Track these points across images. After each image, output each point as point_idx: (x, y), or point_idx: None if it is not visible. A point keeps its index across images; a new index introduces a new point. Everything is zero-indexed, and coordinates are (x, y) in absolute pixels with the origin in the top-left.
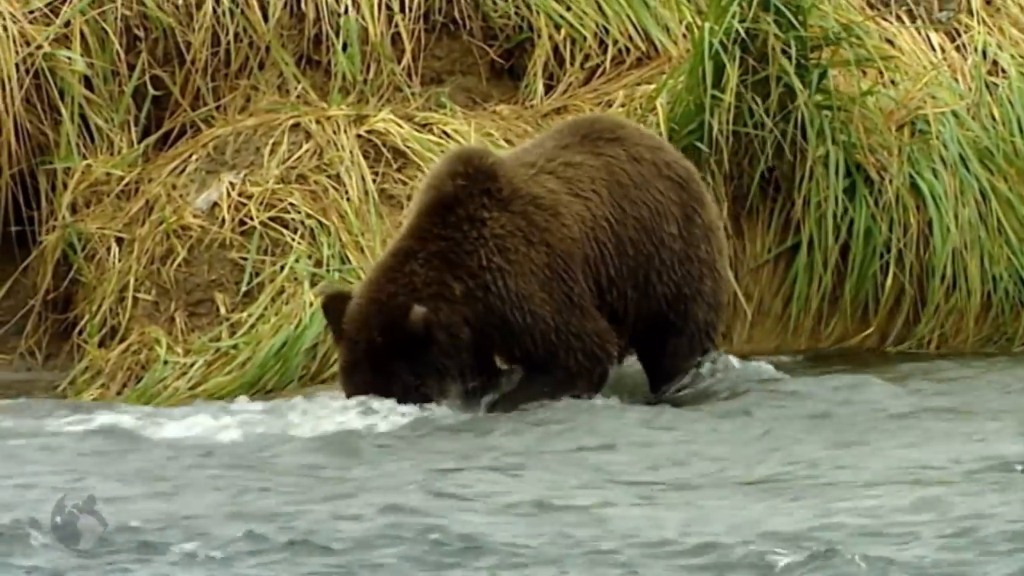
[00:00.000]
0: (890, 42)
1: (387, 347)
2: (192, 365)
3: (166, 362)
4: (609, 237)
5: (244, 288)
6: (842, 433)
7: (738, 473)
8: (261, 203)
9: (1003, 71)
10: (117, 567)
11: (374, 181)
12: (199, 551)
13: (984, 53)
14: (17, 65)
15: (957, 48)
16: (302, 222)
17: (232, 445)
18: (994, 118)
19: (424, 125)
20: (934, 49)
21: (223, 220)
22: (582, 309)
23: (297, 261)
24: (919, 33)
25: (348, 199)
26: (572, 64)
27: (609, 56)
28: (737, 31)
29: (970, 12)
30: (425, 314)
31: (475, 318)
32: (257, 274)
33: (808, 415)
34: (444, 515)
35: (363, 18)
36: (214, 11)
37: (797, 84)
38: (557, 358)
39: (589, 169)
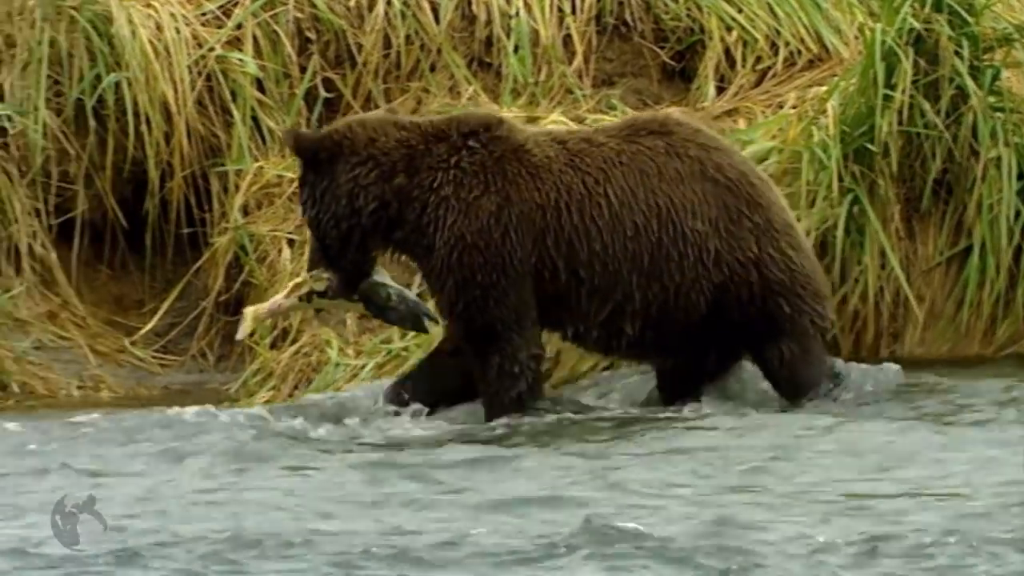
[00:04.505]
0: None
1: None
2: (363, 367)
3: (337, 364)
4: (602, 213)
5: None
6: None
7: None
8: None
9: None
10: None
11: None
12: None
13: None
14: (189, 67)
15: None
16: None
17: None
18: None
19: None
20: None
21: None
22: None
23: None
24: None
25: None
26: (743, 66)
27: (781, 58)
28: (909, 32)
29: None
30: None
31: None
32: None
33: None
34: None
35: (534, 20)
36: (385, 13)
37: (970, 85)
38: None
39: (607, 151)
